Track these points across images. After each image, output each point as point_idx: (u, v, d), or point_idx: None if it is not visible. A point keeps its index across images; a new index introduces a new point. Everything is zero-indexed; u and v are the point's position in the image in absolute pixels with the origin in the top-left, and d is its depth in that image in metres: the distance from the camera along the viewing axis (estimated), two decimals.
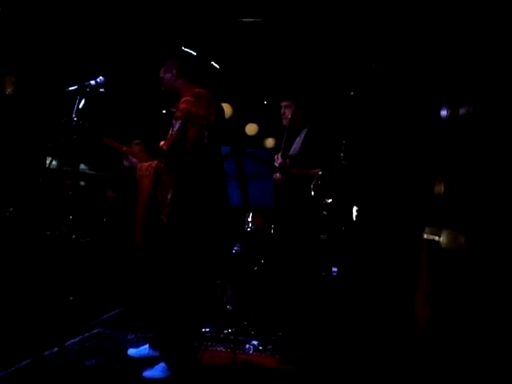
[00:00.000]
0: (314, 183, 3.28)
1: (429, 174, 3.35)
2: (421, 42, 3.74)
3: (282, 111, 3.69)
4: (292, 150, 3.65)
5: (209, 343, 3.31)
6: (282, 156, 3.51)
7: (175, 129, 2.66)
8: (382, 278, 3.63)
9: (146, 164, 2.80)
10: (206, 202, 2.75)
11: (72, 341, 3.17)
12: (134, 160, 2.91)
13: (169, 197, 2.70)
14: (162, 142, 2.88)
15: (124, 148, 2.93)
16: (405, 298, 3.31)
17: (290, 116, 3.55)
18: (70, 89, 2.58)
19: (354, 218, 3.64)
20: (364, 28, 4.59)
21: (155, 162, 2.76)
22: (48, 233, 4.15)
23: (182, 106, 2.71)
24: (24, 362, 2.72)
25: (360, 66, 4.24)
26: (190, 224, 2.71)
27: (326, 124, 3.80)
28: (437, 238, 2.88)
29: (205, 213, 2.75)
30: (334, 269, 3.66)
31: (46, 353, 2.84)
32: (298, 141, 3.64)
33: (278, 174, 3.48)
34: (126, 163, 2.97)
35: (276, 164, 3.51)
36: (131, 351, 3.01)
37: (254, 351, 3.28)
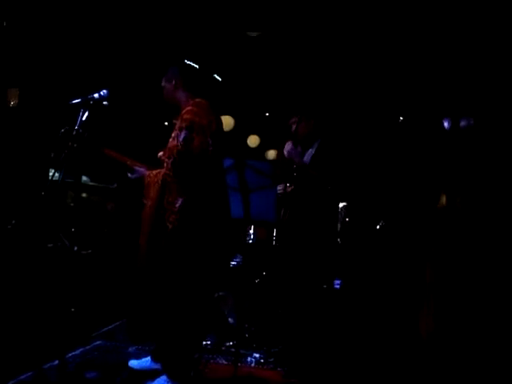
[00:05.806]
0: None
1: (434, 192, 3.34)
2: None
3: (292, 129, 3.64)
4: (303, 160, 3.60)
5: (210, 356, 3.30)
6: (293, 143, 3.39)
7: (180, 139, 2.66)
8: (387, 292, 3.62)
9: (154, 171, 2.78)
10: (211, 211, 2.75)
11: (73, 353, 3.15)
12: (142, 169, 2.85)
13: (177, 205, 2.69)
14: (160, 153, 2.88)
15: (128, 161, 2.91)
16: (409, 311, 3.29)
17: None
18: (74, 102, 2.59)
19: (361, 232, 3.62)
20: (367, 41, 4.64)
21: (163, 170, 2.73)
22: (50, 245, 4.15)
23: (185, 116, 2.71)
24: (24, 375, 2.70)
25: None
26: (196, 233, 2.70)
27: (339, 138, 3.73)
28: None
29: (210, 223, 2.75)
30: (337, 281, 3.64)
31: (46, 365, 2.82)
32: (310, 152, 3.58)
33: (284, 186, 3.42)
34: (131, 176, 2.90)
35: (285, 152, 3.42)
36: (133, 363, 2.99)
37: (255, 364, 3.26)
